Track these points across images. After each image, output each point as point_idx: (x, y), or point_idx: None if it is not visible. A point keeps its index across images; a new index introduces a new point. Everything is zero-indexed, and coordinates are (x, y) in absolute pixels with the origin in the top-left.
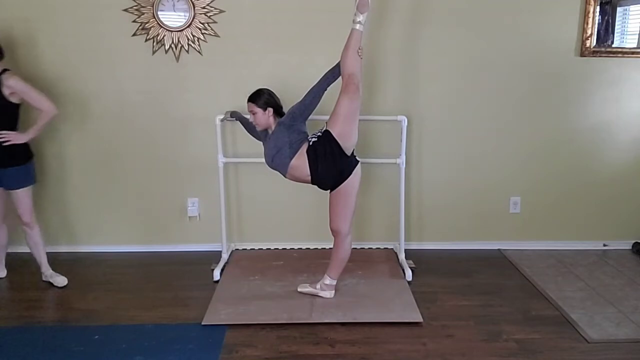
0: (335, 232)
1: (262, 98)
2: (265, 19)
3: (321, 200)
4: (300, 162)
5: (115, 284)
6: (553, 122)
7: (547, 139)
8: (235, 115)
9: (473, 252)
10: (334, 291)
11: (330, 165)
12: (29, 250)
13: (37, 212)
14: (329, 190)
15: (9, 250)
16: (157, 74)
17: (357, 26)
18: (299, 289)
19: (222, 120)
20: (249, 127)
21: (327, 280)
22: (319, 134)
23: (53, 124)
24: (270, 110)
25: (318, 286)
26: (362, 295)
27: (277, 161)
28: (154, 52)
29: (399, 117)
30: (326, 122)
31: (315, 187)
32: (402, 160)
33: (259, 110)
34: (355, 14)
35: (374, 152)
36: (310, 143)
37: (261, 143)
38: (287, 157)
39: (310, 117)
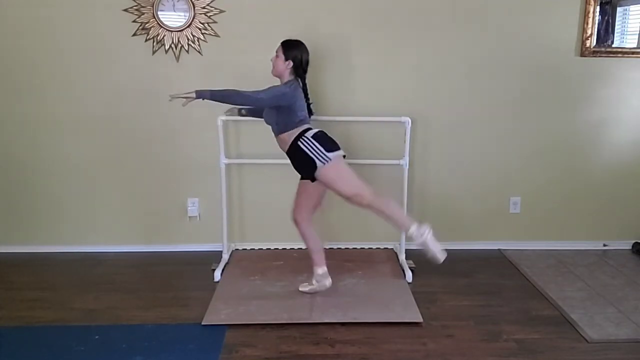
0: (294, 221)
1: (293, 51)
2: (265, 19)
3: None
4: (285, 140)
5: (115, 284)
6: (553, 122)
7: (547, 139)
8: (239, 112)
9: (473, 252)
10: (329, 278)
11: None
12: (28, 250)
13: (38, 212)
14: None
15: (9, 251)
16: (157, 74)
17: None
18: (300, 289)
19: (226, 113)
20: (251, 111)
21: (319, 270)
22: (315, 151)
23: (52, 124)
24: (291, 63)
25: (314, 282)
26: (362, 295)
27: (271, 128)
28: (154, 52)
29: (403, 119)
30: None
31: None
32: (405, 161)
33: (281, 56)
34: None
35: (376, 153)
36: (300, 140)
37: (261, 143)
38: (276, 132)
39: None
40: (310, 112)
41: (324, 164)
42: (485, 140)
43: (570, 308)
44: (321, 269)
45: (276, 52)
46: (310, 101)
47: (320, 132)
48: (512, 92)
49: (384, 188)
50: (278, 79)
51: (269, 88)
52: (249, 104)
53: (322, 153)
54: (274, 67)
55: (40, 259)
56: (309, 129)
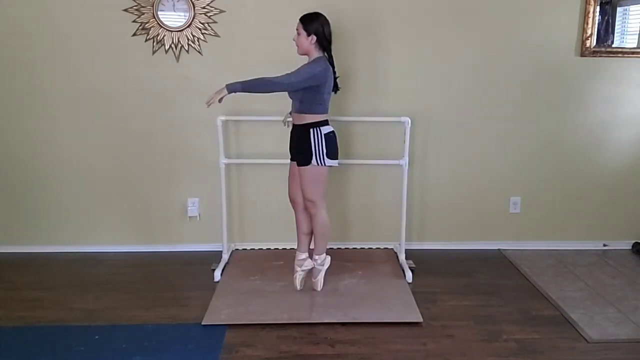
0: (310, 203)
1: (313, 24)
2: (266, 19)
3: None
4: (302, 119)
5: (115, 284)
6: (553, 122)
7: (547, 139)
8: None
9: (473, 252)
10: (309, 259)
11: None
12: (28, 250)
13: (38, 212)
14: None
15: (9, 251)
16: (157, 74)
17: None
18: (297, 288)
19: (286, 125)
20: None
21: (299, 255)
22: (319, 150)
23: (52, 124)
24: (314, 38)
25: (297, 267)
26: (362, 295)
27: (292, 103)
28: (154, 52)
29: (403, 119)
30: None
31: None
32: (405, 161)
33: (303, 33)
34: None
35: (376, 153)
36: (314, 129)
37: (260, 143)
38: (298, 109)
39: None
40: (336, 87)
41: (317, 165)
42: (485, 140)
43: (570, 308)
44: (302, 254)
45: (296, 29)
46: (337, 75)
47: (333, 133)
48: (512, 92)
49: (382, 188)
50: (306, 57)
51: (298, 70)
52: (281, 90)
53: (323, 156)
54: (298, 46)
55: (40, 259)
56: (327, 122)
